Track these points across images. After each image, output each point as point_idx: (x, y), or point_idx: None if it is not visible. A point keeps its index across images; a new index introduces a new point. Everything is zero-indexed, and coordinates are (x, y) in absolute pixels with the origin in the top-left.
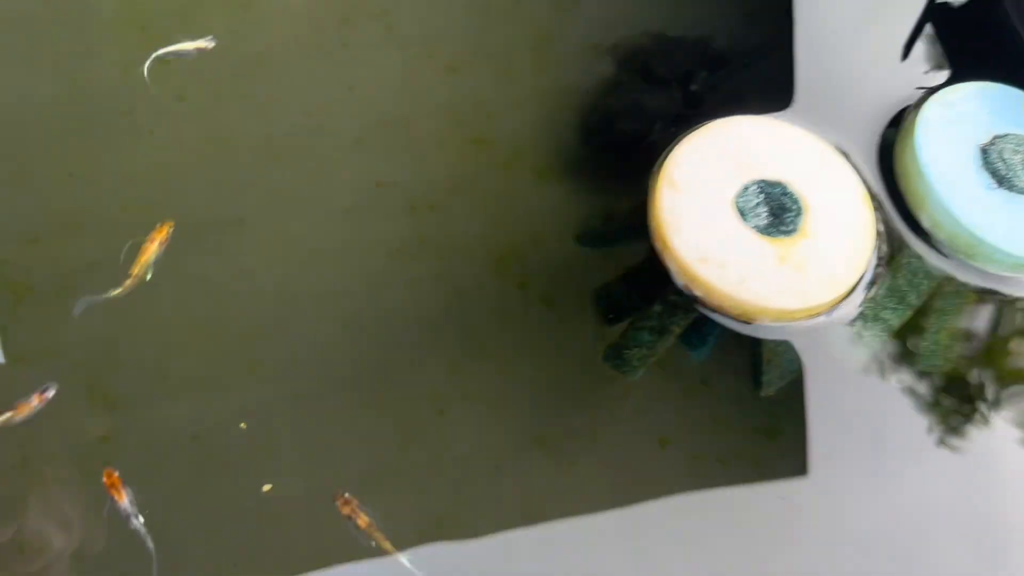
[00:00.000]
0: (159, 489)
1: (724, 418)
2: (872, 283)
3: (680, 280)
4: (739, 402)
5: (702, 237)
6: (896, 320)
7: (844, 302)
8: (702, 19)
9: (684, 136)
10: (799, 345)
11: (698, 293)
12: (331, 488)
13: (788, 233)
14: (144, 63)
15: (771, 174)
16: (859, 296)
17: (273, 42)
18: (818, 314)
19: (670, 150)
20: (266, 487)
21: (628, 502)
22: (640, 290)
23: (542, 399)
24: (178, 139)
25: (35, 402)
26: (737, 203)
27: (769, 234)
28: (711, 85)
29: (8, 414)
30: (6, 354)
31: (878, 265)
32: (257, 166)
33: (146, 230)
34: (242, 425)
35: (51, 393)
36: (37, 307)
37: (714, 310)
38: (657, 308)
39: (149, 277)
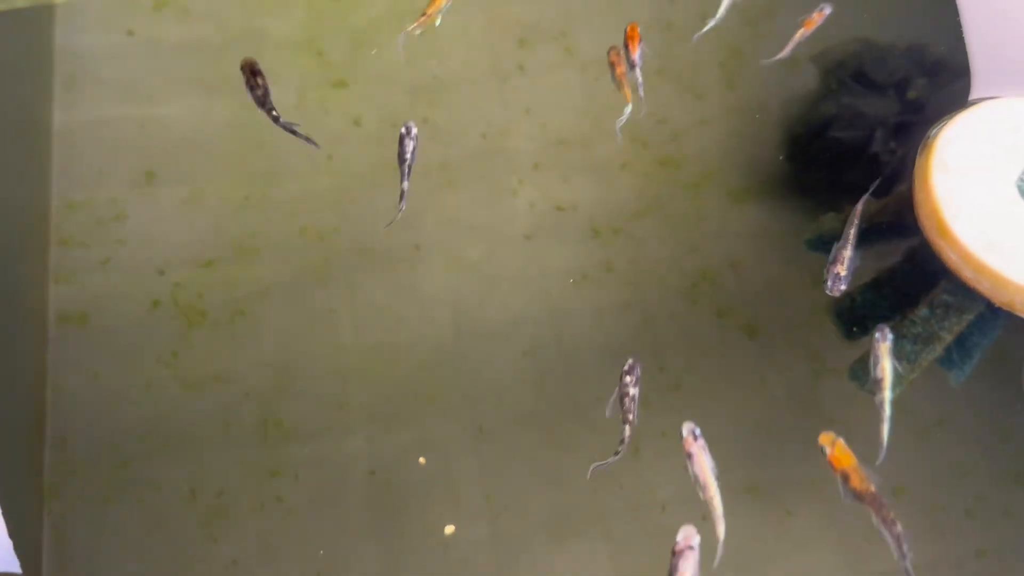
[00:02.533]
0: (334, 528)
1: (966, 464)
2: None
3: (964, 272)
4: (982, 444)
5: (987, 223)
6: None
7: None
8: (907, 27)
9: (950, 117)
10: None
11: (984, 287)
12: (519, 533)
13: None
14: (318, 87)
15: None
16: None
17: (449, 65)
18: None
19: (932, 133)
20: (448, 529)
21: (859, 562)
22: (895, 295)
23: (751, 441)
24: (354, 164)
25: (816, 19)
26: (1021, 186)
27: None
28: (932, 92)
29: (800, 31)
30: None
31: None
32: (433, 191)
33: (324, 255)
34: (421, 460)
35: (828, 11)
36: (209, 332)
37: (1000, 308)
38: (923, 312)
39: (439, 23)
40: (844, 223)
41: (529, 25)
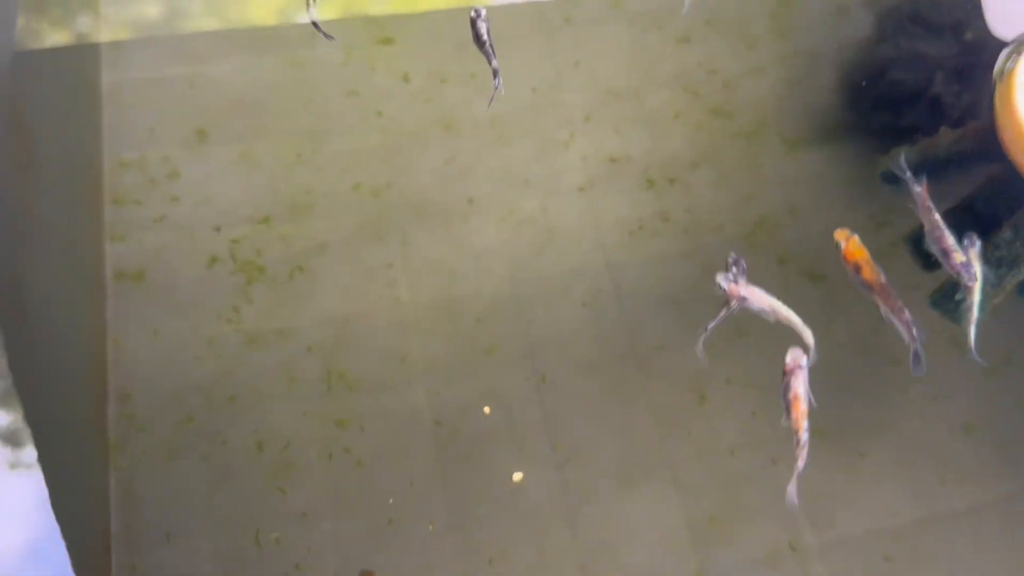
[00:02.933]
0: (402, 477)
1: None
2: None
3: None
4: None
5: None
6: None
7: None
8: None
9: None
10: None
11: None
12: (587, 480)
13: None
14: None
15: None
16: None
17: (495, 20)
18: None
19: (1010, 63)
20: (516, 476)
21: (931, 498)
22: (976, 221)
23: (818, 386)
24: (404, 120)
25: None
26: None
27: None
28: (989, 32)
29: None
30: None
31: None
32: (484, 146)
33: (378, 211)
34: (486, 410)
35: None
36: (269, 287)
37: None
38: (1006, 235)
39: None
40: (918, 155)
41: None
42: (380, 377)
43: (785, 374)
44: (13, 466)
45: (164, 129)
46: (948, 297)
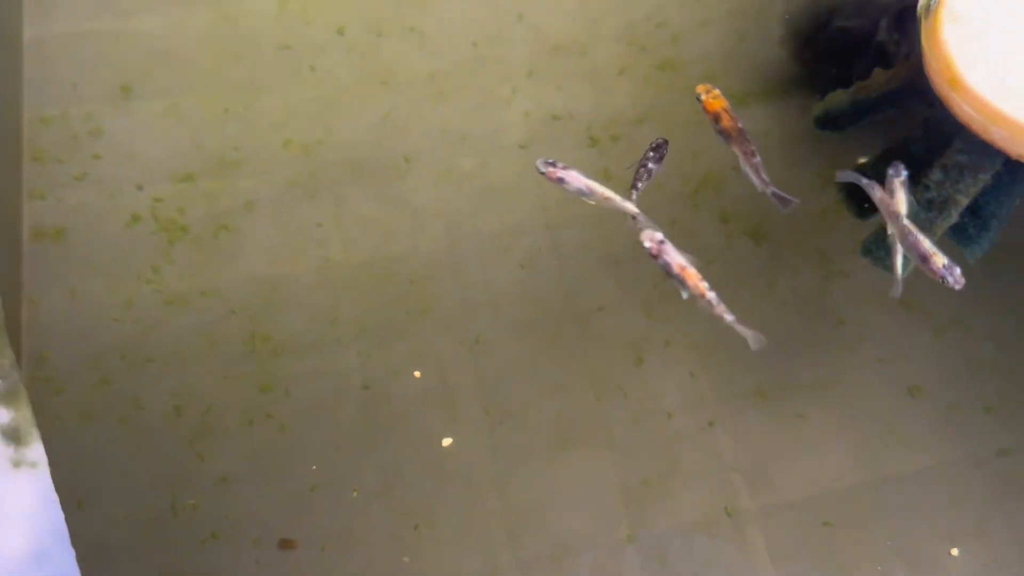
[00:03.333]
0: (327, 443)
1: (984, 361)
2: None
3: (976, 123)
4: (1000, 341)
5: (1004, 70)
6: None
7: None
8: None
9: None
10: None
11: (1000, 135)
12: (519, 444)
13: None
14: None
15: None
16: None
17: None
18: None
19: None
20: (446, 441)
21: (873, 462)
22: (907, 164)
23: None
24: (339, 75)
25: None
26: None
27: None
28: None
29: None
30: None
31: None
32: (422, 102)
33: (309, 168)
34: (416, 373)
35: None
36: (192, 247)
37: (1018, 167)
38: (936, 176)
39: None
40: (851, 97)
41: None
42: (307, 340)
43: (655, 257)
44: (17, 465)
45: (87, 85)
46: (878, 243)
